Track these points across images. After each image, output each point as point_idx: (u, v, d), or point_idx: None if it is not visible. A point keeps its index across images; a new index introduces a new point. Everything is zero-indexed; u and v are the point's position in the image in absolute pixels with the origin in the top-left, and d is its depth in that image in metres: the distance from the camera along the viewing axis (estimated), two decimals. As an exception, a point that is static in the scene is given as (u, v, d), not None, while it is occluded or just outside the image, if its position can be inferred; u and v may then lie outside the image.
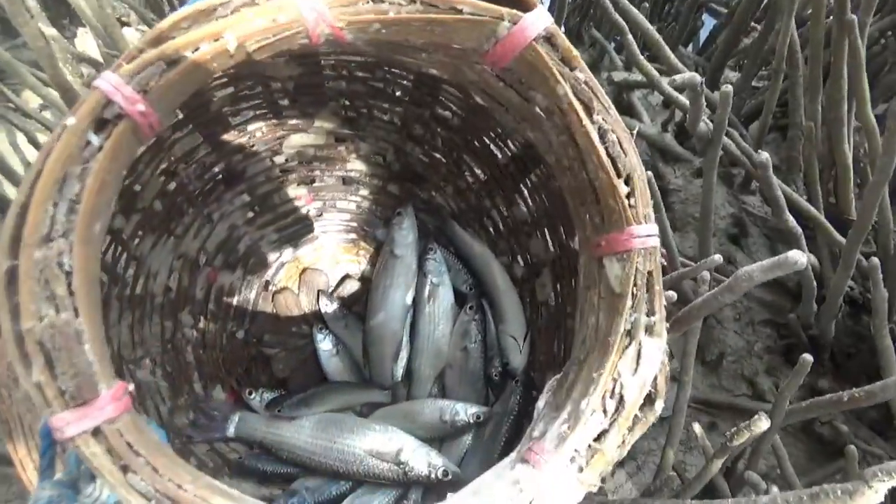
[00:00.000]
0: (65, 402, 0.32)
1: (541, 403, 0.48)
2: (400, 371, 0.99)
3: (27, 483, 0.65)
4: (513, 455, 0.43)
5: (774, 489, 0.72)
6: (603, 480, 1.20)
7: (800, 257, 0.47)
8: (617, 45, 1.63)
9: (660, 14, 1.72)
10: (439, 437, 0.97)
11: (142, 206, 0.86)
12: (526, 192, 0.92)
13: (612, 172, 0.41)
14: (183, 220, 0.92)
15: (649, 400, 0.40)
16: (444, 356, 0.99)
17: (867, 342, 0.93)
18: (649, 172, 0.95)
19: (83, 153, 0.35)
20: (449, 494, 0.46)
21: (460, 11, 0.41)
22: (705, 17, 1.82)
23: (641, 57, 1.00)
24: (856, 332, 1.06)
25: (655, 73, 0.98)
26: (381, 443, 0.92)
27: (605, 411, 0.40)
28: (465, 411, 0.93)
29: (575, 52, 0.42)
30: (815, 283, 0.96)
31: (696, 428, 0.81)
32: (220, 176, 0.94)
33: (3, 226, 0.33)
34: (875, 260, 0.79)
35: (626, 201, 0.42)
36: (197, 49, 0.38)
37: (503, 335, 0.98)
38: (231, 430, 0.93)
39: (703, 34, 1.81)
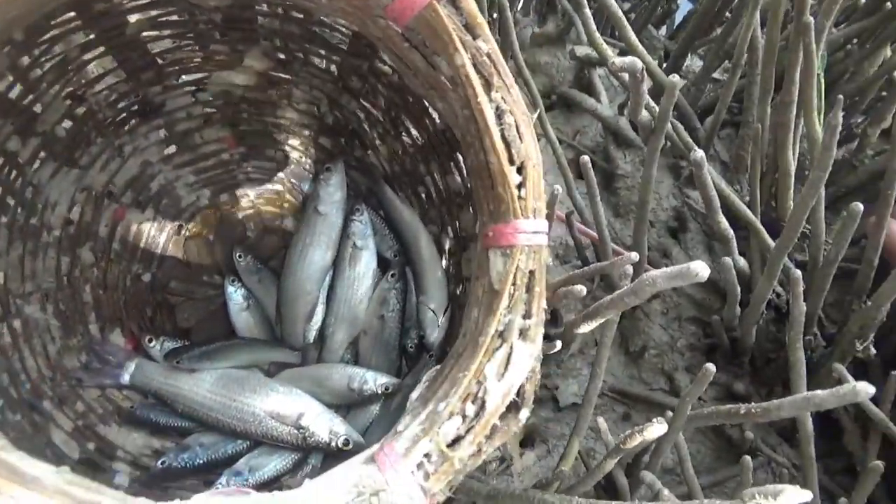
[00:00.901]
0: None
1: (414, 395, 0.45)
2: (313, 333, 0.96)
3: None
4: (368, 451, 0.40)
5: (666, 492, 0.71)
6: (511, 460, 1.19)
7: (702, 269, 0.45)
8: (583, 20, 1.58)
9: (635, -9, 1.67)
10: (346, 404, 0.94)
11: (42, 130, 0.79)
12: (462, 162, 0.88)
13: (505, 158, 0.38)
14: (90, 149, 0.86)
15: (514, 408, 0.37)
16: (359, 322, 0.96)
17: (786, 350, 0.92)
18: (586, 158, 0.92)
19: None
20: (307, 481, 0.42)
21: (358, -46, 0.36)
22: (683, 0, 1.78)
23: (597, 33, 0.95)
24: (777, 338, 1.06)
25: (608, 50, 0.93)
26: (284, 405, 0.89)
27: (463, 416, 0.37)
28: (375, 381, 0.91)
29: (481, 18, 0.37)
30: (738, 287, 0.95)
31: (601, 422, 0.79)
32: (136, 107, 0.87)
33: None
34: (797, 272, 0.78)
35: (515, 191, 0.38)
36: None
37: (423, 307, 0.95)
38: (126, 378, 0.89)
39: (679, 17, 1.77)
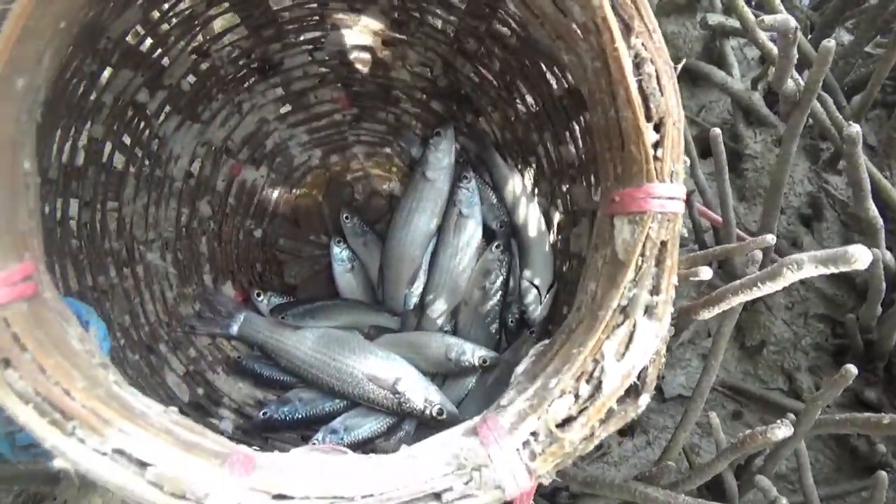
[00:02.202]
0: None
1: (520, 369, 0.42)
2: (413, 299, 0.95)
3: None
4: (469, 423, 0.38)
5: (784, 501, 0.65)
6: (609, 447, 1.14)
7: (863, 254, 0.38)
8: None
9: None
10: (442, 373, 0.93)
11: (169, 83, 0.82)
12: (578, 131, 0.83)
13: (641, 112, 0.33)
14: (211, 105, 0.88)
15: (634, 392, 0.34)
16: (460, 292, 0.94)
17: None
18: (717, 131, 0.84)
19: (5, -7, 0.30)
20: (403, 447, 0.41)
21: None
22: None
23: (742, 1, 0.86)
24: (922, 345, 0.95)
25: (752, 17, 0.84)
26: (381, 369, 0.89)
27: (576, 396, 0.33)
28: (473, 353, 0.89)
29: (623, -46, 0.33)
30: (884, 284, 0.85)
31: (713, 418, 0.73)
32: (255, 64, 0.88)
33: None
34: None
35: (650, 151, 0.34)
36: None
37: (527, 282, 0.91)
38: (235, 329, 0.92)
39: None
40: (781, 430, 0.56)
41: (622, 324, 0.34)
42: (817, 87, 0.70)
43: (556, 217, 0.92)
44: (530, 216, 0.92)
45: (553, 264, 0.91)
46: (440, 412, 0.86)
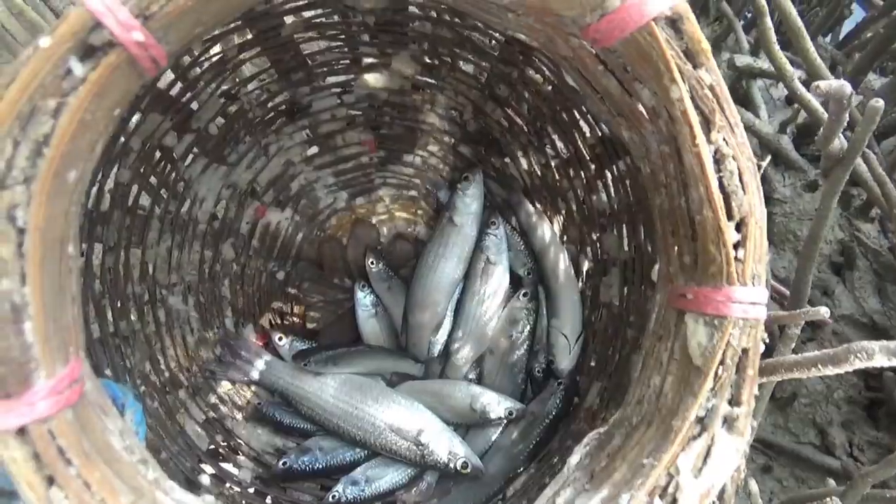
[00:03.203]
0: (-14, 391, 0.27)
1: (573, 460, 0.40)
2: (438, 346, 0.93)
3: None
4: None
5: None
6: None
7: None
8: (746, 23, 1.45)
9: (802, -6, 1.52)
10: (466, 423, 0.91)
11: (197, 127, 0.81)
12: (610, 179, 0.82)
13: (722, 212, 0.31)
14: (238, 147, 0.87)
15: (711, 510, 0.31)
16: (486, 340, 0.92)
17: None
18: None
19: (61, 84, 0.28)
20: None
21: (563, -33, 0.32)
22: (855, 5, 1.60)
23: (776, 45, 0.85)
24: (959, 402, 0.92)
25: (790, 67, 0.83)
26: (404, 418, 0.87)
27: (650, 512, 0.31)
28: (499, 404, 0.87)
29: (705, 44, 0.31)
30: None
31: (752, 485, 0.71)
32: (284, 107, 0.87)
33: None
34: None
35: (731, 252, 0.32)
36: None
37: (554, 331, 0.90)
38: (256, 374, 0.90)
39: (847, 26, 1.60)
40: (834, 511, 0.54)
41: (699, 436, 0.32)
42: (863, 145, 0.68)
43: (585, 265, 0.90)
44: (559, 264, 0.91)
45: (582, 313, 0.89)
46: (465, 465, 0.84)
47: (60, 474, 0.27)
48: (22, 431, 0.27)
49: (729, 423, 0.32)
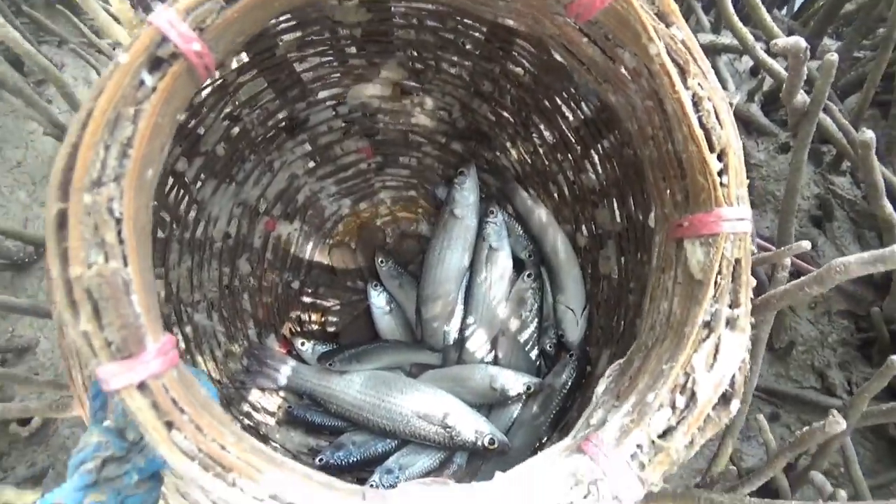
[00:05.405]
0: (111, 353, 0.31)
1: (600, 389, 0.45)
2: (452, 334, 0.98)
3: (85, 420, 0.66)
4: (568, 441, 0.40)
5: (842, 493, 0.67)
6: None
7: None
8: (705, 4, 1.53)
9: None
10: (487, 403, 0.95)
11: (205, 150, 0.85)
12: (596, 158, 0.87)
13: (705, 146, 0.37)
14: (244, 166, 0.92)
15: (724, 399, 0.37)
16: (497, 323, 0.97)
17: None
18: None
19: (136, 94, 0.33)
20: (498, 473, 0.43)
21: (546, -45, 0.37)
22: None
23: (737, 19, 0.91)
24: (946, 332, 0.98)
25: (751, 37, 0.89)
26: (429, 405, 0.91)
27: (673, 407, 0.36)
28: (517, 381, 0.92)
29: (674, 5, 0.37)
30: (906, 276, 0.89)
31: (762, 420, 0.76)
32: (283, 123, 0.92)
33: (54, 167, 0.32)
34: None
35: (717, 179, 0.37)
36: (259, -15, 0.35)
37: (560, 306, 0.95)
38: (283, 380, 0.94)
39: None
40: (837, 425, 0.59)
41: (707, 338, 0.37)
42: (824, 97, 0.74)
43: (582, 241, 0.95)
44: (558, 243, 0.96)
45: (584, 287, 0.95)
46: (492, 441, 0.88)
47: (177, 420, 0.32)
48: (142, 386, 0.32)
49: (731, 323, 0.37)
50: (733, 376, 0.36)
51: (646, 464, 0.35)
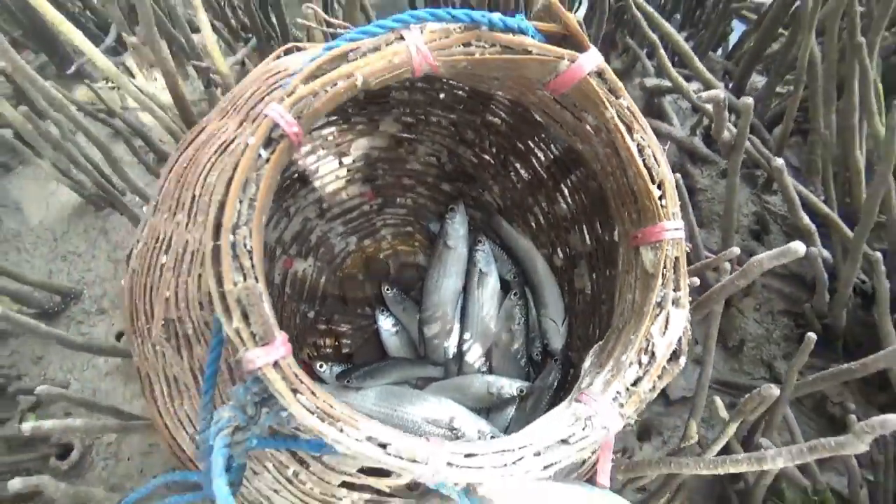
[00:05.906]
0: (254, 342, 0.45)
1: (586, 364, 0.60)
2: (452, 349, 1.12)
3: (160, 427, 0.78)
4: (568, 400, 0.55)
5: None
6: (633, 450, 1.30)
7: (800, 247, 0.58)
8: (649, 51, 1.74)
9: (691, 20, 1.82)
10: (486, 407, 1.09)
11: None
12: (566, 191, 1.03)
13: (648, 179, 0.53)
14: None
15: (674, 356, 0.52)
16: (490, 336, 1.11)
17: (876, 331, 1.02)
18: (678, 175, 1.06)
19: (257, 163, 0.48)
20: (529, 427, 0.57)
21: (530, 52, 0.53)
22: (735, 22, 1.91)
23: (671, 67, 1.10)
24: (866, 322, 1.16)
25: (684, 82, 1.08)
26: (436, 411, 1.04)
27: (640, 364, 0.51)
28: (510, 385, 1.05)
29: (619, 84, 0.53)
30: (826, 275, 1.06)
31: (717, 401, 0.92)
32: (296, 175, 1.07)
33: (208, 217, 0.46)
34: (877, 254, 0.89)
35: (658, 202, 0.53)
36: (335, 84, 0.51)
37: (544, 319, 1.10)
38: (304, 398, 1.06)
39: (734, 38, 1.90)
40: (771, 390, 0.75)
41: (660, 313, 0.53)
42: (746, 132, 0.92)
43: (559, 262, 1.11)
44: (538, 265, 1.12)
45: (563, 301, 1.10)
46: (493, 438, 1.02)
47: (300, 387, 0.46)
48: (275, 365, 0.45)
49: (675, 301, 0.53)
50: (679, 339, 0.52)
51: (624, 404, 0.50)
